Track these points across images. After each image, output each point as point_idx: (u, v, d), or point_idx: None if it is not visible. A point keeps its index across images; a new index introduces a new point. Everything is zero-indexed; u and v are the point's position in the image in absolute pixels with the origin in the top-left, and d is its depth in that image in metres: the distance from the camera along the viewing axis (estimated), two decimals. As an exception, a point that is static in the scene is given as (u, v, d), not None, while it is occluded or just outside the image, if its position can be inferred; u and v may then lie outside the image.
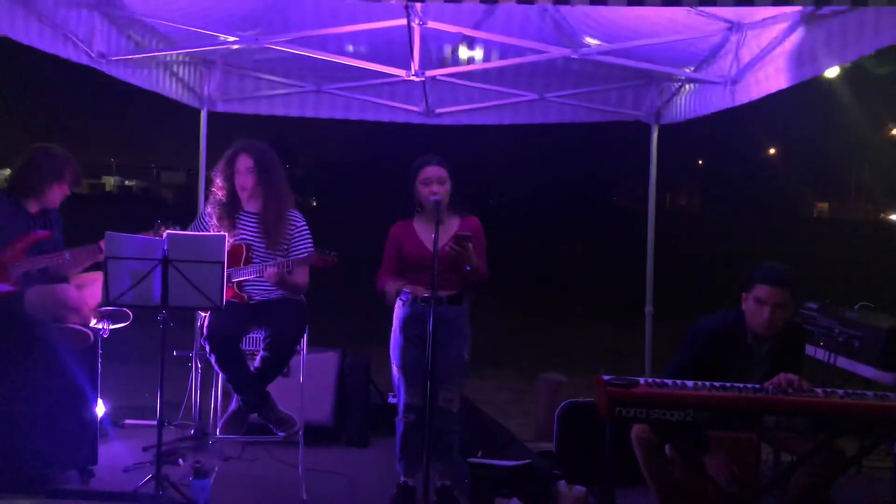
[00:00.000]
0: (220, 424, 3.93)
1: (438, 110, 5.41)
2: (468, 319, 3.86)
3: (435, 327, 3.38)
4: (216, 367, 3.80)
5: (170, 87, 4.88)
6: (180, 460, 4.25)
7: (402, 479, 3.88)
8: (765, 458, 3.81)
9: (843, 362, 3.84)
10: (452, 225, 3.80)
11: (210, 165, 4.54)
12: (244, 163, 3.95)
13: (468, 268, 3.66)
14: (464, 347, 3.82)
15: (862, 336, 3.75)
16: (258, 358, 3.86)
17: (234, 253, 3.91)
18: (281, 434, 3.90)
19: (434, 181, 3.74)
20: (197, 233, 3.96)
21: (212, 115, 5.42)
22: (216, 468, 4.18)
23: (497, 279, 3.99)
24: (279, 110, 5.54)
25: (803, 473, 3.16)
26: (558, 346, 9.02)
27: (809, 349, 3.84)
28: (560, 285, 15.01)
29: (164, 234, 3.47)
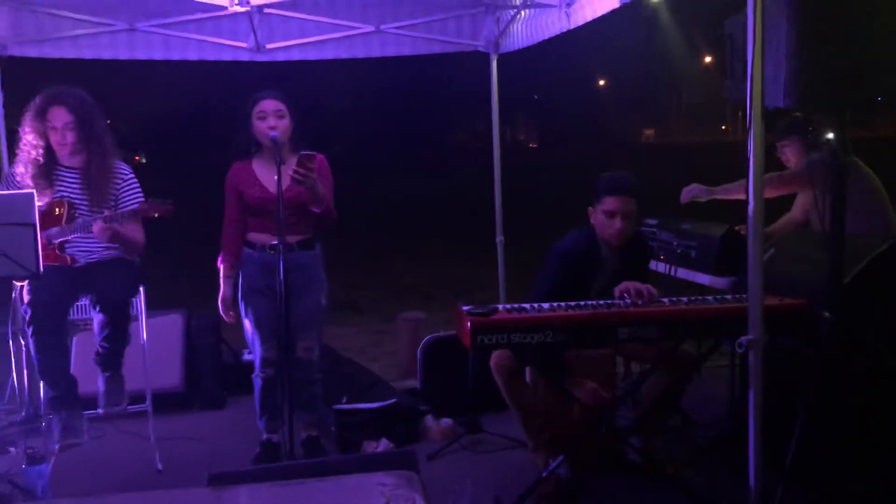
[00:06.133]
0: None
1: (269, 45, 5.05)
2: (322, 265, 3.69)
3: (287, 275, 3.20)
4: (31, 344, 3.34)
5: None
6: (11, 448, 3.83)
7: (265, 436, 3.71)
8: (617, 370, 3.99)
9: (682, 273, 4.05)
10: (294, 165, 3.58)
11: (10, 121, 4.02)
12: (60, 117, 3.47)
13: (317, 210, 3.47)
14: (320, 294, 3.66)
15: (697, 246, 3.96)
16: (98, 339, 3.52)
17: (53, 211, 3.49)
18: (101, 411, 3.61)
19: (271, 114, 3.49)
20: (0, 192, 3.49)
21: (7, 63, 4.74)
22: (55, 451, 3.80)
23: (345, 223, 3.84)
24: (87, 53, 4.91)
25: (656, 381, 3.32)
26: (414, 286, 9.05)
27: (651, 263, 4.00)
28: (409, 224, 15.05)
29: (-43, 196, 3.01)
